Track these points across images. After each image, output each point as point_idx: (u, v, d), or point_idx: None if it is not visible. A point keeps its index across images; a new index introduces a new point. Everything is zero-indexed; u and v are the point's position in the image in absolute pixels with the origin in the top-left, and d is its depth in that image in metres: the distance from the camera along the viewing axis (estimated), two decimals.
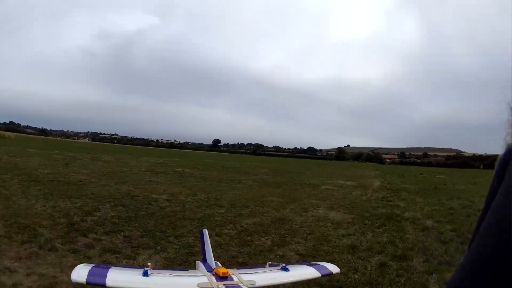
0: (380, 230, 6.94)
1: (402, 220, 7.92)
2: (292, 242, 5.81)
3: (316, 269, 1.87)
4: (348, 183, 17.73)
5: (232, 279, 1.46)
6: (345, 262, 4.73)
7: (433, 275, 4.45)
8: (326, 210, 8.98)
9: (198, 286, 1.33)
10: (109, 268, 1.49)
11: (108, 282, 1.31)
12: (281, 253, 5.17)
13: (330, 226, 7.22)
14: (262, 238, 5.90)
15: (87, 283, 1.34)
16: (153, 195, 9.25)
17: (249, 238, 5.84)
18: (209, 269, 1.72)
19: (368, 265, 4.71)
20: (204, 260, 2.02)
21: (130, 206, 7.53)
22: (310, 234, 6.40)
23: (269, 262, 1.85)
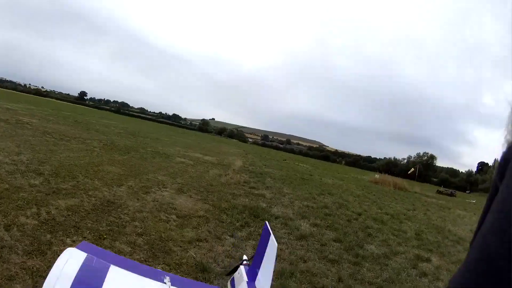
0: (243, 234, 5.08)
1: (271, 219, 6.37)
2: (109, 249, 3.55)
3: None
4: (207, 158, 16.12)
5: None
6: None
7: None
8: (173, 194, 6.80)
9: None
10: (109, 266, 0.97)
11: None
12: None
13: (174, 221, 4.96)
14: (68, 239, 3.55)
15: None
16: None
17: (48, 237, 3.44)
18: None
19: None
20: (253, 273, 1.25)
21: None
22: (141, 235, 4.13)
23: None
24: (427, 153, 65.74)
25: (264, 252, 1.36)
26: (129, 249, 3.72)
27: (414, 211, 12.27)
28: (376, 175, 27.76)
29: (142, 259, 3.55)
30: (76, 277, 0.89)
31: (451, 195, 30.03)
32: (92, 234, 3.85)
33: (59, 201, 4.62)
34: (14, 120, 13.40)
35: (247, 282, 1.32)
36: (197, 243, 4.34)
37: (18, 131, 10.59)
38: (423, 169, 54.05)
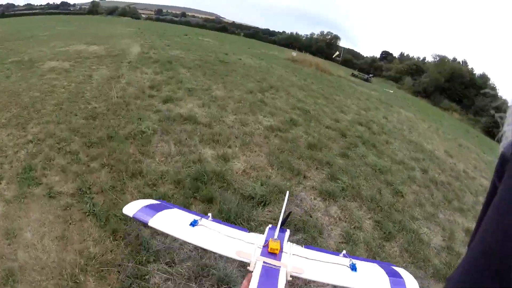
0: None
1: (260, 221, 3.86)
2: None
3: (390, 279, 1.15)
4: (93, 48, 11.42)
5: (278, 259, 1.06)
6: None
7: None
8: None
9: (236, 253, 1.08)
10: (164, 209, 1.30)
11: (151, 222, 1.18)
12: None
13: None
14: None
15: (133, 217, 1.20)
16: None
17: None
18: (270, 235, 1.26)
19: None
20: (275, 226, 1.40)
21: None
22: None
23: (345, 252, 1.30)
24: (331, 33, 63.60)
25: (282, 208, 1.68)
26: None
27: (369, 112, 10.36)
28: (293, 52, 24.72)
29: None
30: (148, 205, 1.31)
31: (367, 80, 26.83)
32: None
33: None
34: None
35: (270, 228, 1.37)
36: None
37: None
38: (326, 48, 52.64)
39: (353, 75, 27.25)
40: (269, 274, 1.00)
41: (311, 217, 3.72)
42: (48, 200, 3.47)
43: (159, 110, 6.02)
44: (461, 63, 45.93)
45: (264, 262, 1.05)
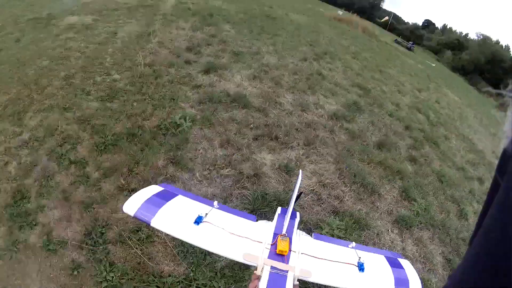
0: None
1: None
2: None
3: (395, 279, 1.17)
4: None
5: (286, 261, 1.02)
6: None
7: None
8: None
9: (244, 257, 1.01)
10: (170, 198, 1.18)
11: (154, 222, 1.08)
12: None
13: None
14: None
15: (135, 216, 1.11)
16: None
17: None
18: (280, 226, 1.19)
19: None
20: (286, 208, 1.39)
21: None
22: None
23: (354, 244, 1.27)
24: None
25: (294, 188, 1.61)
26: None
27: (423, 93, 9.05)
28: (339, 11, 22.82)
29: None
30: (149, 198, 1.18)
31: (409, 49, 25.27)
32: None
33: None
34: None
35: (281, 210, 1.35)
36: None
37: None
38: (369, 8, 48.58)
39: (396, 41, 25.52)
40: (277, 280, 0.97)
41: None
42: (46, 255, 2.28)
43: (199, 85, 4.46)
44: (503, 47, 44.27)
45: (271, 267, 1.00)
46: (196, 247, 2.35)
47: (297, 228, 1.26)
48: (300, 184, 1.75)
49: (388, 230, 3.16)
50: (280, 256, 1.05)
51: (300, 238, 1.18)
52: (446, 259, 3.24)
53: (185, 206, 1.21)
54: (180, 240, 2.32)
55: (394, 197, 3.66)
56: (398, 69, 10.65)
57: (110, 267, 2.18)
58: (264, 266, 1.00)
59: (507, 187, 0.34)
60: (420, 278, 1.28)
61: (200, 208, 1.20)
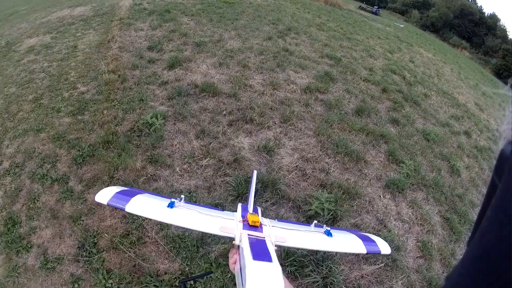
0: None
1: None
2: None
3: (363, 242, 1.36)
4: (78, 11, 8.99)
5: (260, 231, 1.12)
6: None
7: None
8: None
9: (220, 229, 1.10)
10: (137, 194, 1.24)
11: (128, 207, 1.13)
12: None
13: None
14: None
15: (108, 204, 1.15)
16: None
17: None
18: (245, 214, 1.27)
19: None
20: (246, 204, 1.52)
21: None
22: None
23: (316, 222, 1.37)
24: None
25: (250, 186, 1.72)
26: None
27: (395, 54, 9.15)
28: None
29: None
30: (119, 191, 1.22)
31: (375, 13, 25.01)
32: None
33: None
34: None
35: (242, 206, 1.39)
36: None
37: None
38: None
39: (361, 7, 25.19)
40: (258, 243, 1.01)
41: (385, 227, 2.86)
42: (46, 274, 2.40)
43: (166, 82, 4.50)
44: (469, 0, 45.53)
45: (248, 234, 1.06)
46: (187, 239, 2.49)
47: (261, 217, 1.33)
48: (257, 180, 1.83)
49: (380, 196, 3.18)
50: (254, 227, 1.12)
51: (267, 220, 1.25)
52: (444, 217, 3.24)
53: (154, 198, 1.27)
54: (171, 237, 2.47)
55: (381, 162, 3.67)
56: (366, 34, 10.64)
57: (108, 274, 2.30)
58: (241, 235, 1.05)
59: (504, 189, 0.34)
60: (391, 248, 1.39)
61: (169, 199, 1.25)
